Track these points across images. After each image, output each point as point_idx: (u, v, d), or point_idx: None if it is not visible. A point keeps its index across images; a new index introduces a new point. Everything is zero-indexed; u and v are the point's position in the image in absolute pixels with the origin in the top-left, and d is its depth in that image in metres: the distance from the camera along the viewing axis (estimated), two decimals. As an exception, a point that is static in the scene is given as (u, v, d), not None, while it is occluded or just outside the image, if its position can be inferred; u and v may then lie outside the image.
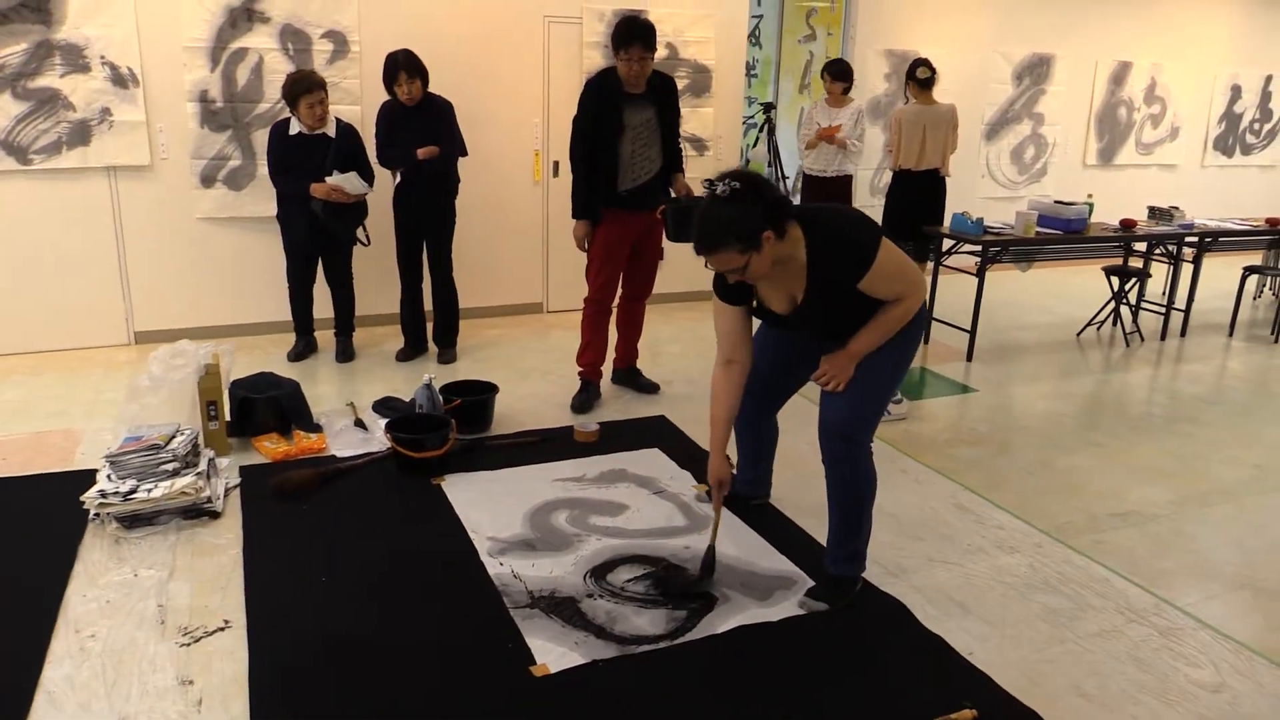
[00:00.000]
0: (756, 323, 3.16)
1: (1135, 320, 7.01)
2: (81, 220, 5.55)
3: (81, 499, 3.49)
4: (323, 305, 5.67)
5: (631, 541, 3.52)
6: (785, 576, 3.29)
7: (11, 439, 4.35)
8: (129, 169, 5.58)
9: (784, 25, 8.28)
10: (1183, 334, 7.02)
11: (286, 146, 5.22)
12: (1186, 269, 7.12)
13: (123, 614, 2.96)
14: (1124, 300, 6.86)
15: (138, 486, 3.50)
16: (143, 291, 5.79)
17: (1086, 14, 9.15)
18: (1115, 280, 6.83)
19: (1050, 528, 3.78)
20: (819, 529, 3.44)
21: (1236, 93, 10.41)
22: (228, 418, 4.27)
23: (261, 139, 5.63)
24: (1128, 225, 6.70)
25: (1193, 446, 4.78)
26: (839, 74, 6.75)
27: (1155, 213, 7.17)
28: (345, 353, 5.65)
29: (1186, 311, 7.07)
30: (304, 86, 5.08)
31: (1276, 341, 6.95)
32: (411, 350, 5.74)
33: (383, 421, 4.42)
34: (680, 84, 5.85)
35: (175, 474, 3.59)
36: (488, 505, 3.77)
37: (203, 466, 3.71)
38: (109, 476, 3.55)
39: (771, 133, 7.63)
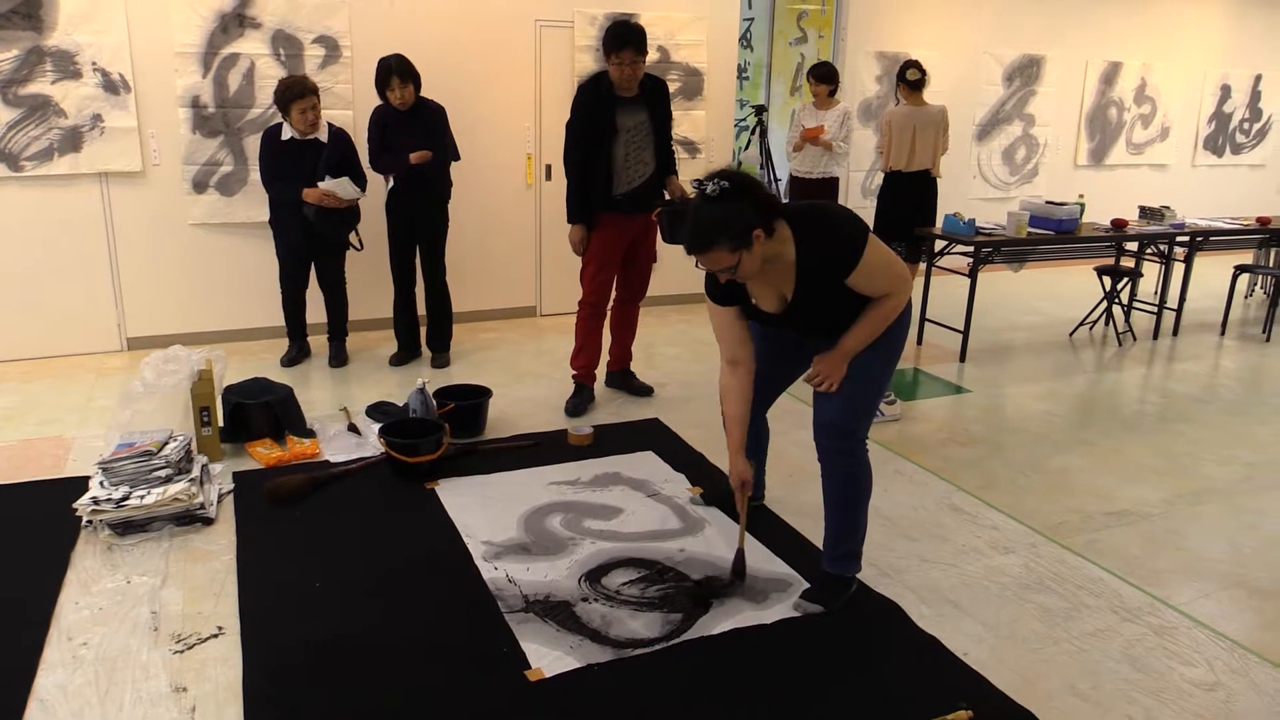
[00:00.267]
0: None
1: (1127, 320, 7.03)
2: (73, 226, 5.53)
3: (74, 506, 3.48)
4: (316, 310, 5.67)
5: (626, 545, 3.52)
6: (780, 579, 3.29)
7: (3, 446, 4.34)
8: (121, 175, 5.58)
9: (775, 28, 8.30)
10: (1175, 333, 7.04)
11: (279, 152, 5.21)
12: (1178, 268, 7.15)
13: (116, 621, 2.95)
14: (1116, 300, 6.88)
15: (130, 493, 3.49)
16: (135, 297, 5.77)
17: (1076, 15, 9.18)
18: (1107, 280, 6.85)
19: (1044, 527, 3.79)
20: (813, 531, 3.44)
21: (1226, 92, 10.45)
22: (221, 423, 4.26)
23: (253, 144, 5.63)
24: (1119, 225, 6.72)
25: (1185, 445, 4.79)
26: (823, 77, 6.77)
27: (1146, 212, 7.19)
28: (338, 358, 5.64)
29: (1178, 311, 7.09)
30: (296, 92, 5.07)
31: (1268, 340, 6.98)
32: (405, 354, 5.73)
33: (376, 426, 4.42)
34: (672, 87, 5.86)
35: (168, 480, 3.58)
36: (482, 509, 3.76)
37: (196, 473, 3.70)
38: (101, 483, 3.54)
39: (763, 135, 7.64)
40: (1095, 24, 9.32)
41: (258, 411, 4.33)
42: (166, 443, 3.70)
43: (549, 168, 6.67)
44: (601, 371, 5.19)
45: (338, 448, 4.34)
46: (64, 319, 5.64)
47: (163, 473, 3.58)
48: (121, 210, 5.62)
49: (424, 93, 5.29)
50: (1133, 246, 7.15)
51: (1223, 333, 7.14)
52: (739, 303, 3.03)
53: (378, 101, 5.28)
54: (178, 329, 5.82)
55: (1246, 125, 10.75)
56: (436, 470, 4.06)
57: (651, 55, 6.25)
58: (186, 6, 5.49)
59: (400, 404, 4.70)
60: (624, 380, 5.25)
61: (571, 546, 3.49)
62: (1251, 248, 7.98)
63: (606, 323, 5.01)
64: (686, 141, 6.97)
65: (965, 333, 6.18)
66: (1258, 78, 10.58)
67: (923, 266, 6.65)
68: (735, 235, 2.67)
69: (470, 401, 4.56)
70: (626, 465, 4.26)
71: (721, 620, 3.02)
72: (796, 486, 3.92)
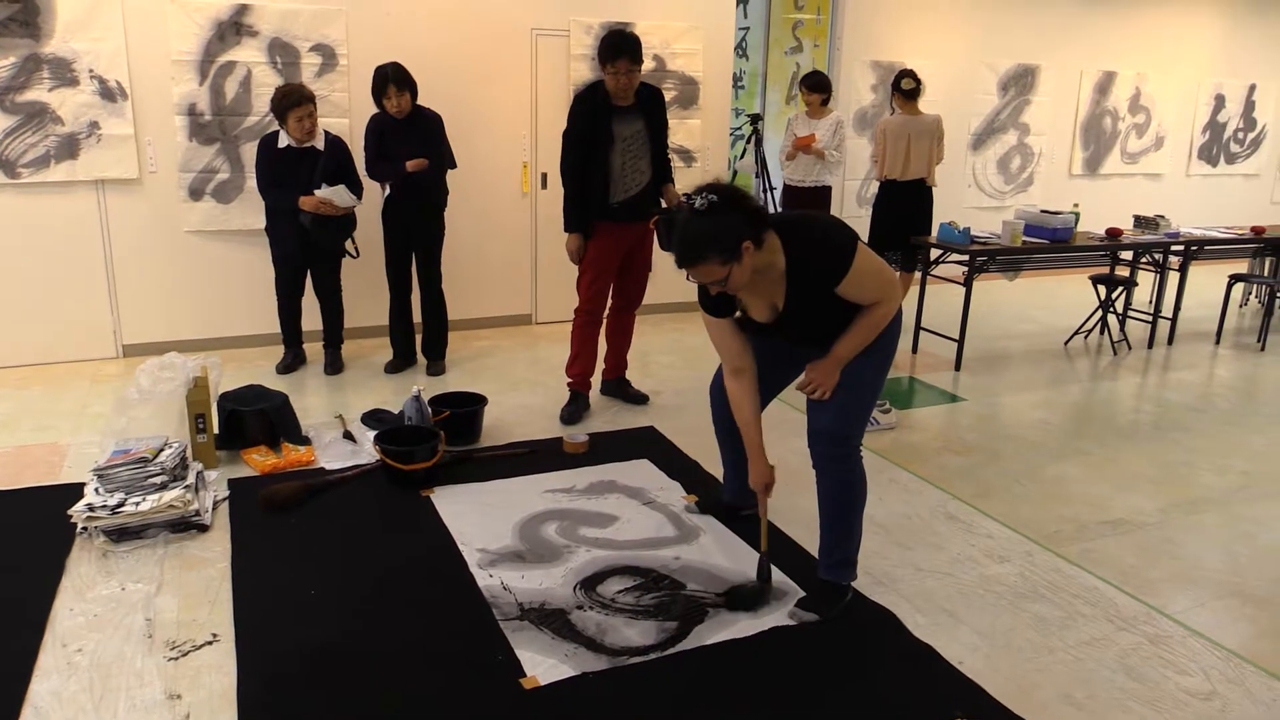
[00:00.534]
0: None
1: (1122, 329, 7.04)
2: (69, 233, 5.53)
3: (69, 512, 3.47)
4: (311, 318, 5.67)
5: (621, 553, 3.52)
6: (775, 587, 3.28)
7: (-2, 453, 4.33)
8: (117, 182, 5.57)
9: (770, 37, 8.32)
10: (1170, 342, 7.05)
11: (275, 159, 5.21)
12: (1173, 277, 7.16)
13: (110, 628, 2.94)
14: (1111, 309, 6.90)
15: (125, 500, 3.48)
16: (131, 304, 5.77)
17: (1071, 25, 9.21)
18: (1102, 289, 6.86)
19: (1039, 536, 3.79)
20: (809, 539, 3.44)
21: (1220, 102, 10.48)
22: (216, 430, 4.26)
23: (250, 152, 5.64)
24: (1114, 234, 6.73)
25: (1181, 454, 4.80)
26: (815, 86, 6.79)
27: (1141, 221, 7.21)
28: (334, 365, 5.64)
29: (1173, 320, 7.11)
30: (293, 100, 5.08)
31: (1263, 349, 6.99)
32: (400, 362, 5.73)
33: (371, 434, 4.41)
34: (668, 96, 5.86)
35: (163, 487, 3.57)
36: (477, 517, 3.76)
37: (191, 479, 3.69)
38: (96, 490, 3.54)
39: (759, 144, 7.66)
40: (1090, 34, 9.36)
41: (253, 418, 4.33)
42: (162, 449, 3.70)
43: (545, 176, 6.68)
44: (597, 379, 5.19)
45: (333, 455, 4.34)
46: (60, 325, 5.63)
47: (158, 479, 3.58)
48: (118, 217, 5.62)
49: (420, 101, 5.30)
50: (1128, 255, 7.16)
51: (1217, 342, 7.15)
52: (731, 313, 3.05)
53: (374, 110, 5.29)
54: (173, 336, 5.82)
55: (1241, 135, 10.79)
56: (432, 478, 4.05)
57: (647, 64, 6.26)
58: (183, 15, 5.50)
59: (395, 411, 4.69)
60: (619, 388, 5.25)
61: (567, 554, 3.49)
62: (1246, 257, 8.00)
63: (602, 331, 5.02)
64: (682, 150, 6.98)
65: (960, 341, 6.19)
66: (1252, 87, 10.62)
67: (918, 275, 6.66)
68: (725, 248, 2.69)
69: (465, 409, 4.56)
70: (622, 473, 4.26)
71: (717, 629, 3.02)
72: (792, 494, 3.92)
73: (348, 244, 5.48)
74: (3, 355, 5.54)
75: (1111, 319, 7.00)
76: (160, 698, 2.62)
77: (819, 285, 2.84)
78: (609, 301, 4.99)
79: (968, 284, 6.14)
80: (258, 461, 4.19)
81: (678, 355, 6.20)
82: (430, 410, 4.40)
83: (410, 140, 5.25)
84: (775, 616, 3.10)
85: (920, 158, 6.69)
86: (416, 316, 5.74)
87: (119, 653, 2.81)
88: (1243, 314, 8.23)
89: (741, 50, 8.22)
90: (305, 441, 4.42)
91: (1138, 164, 10.17)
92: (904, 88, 6.66)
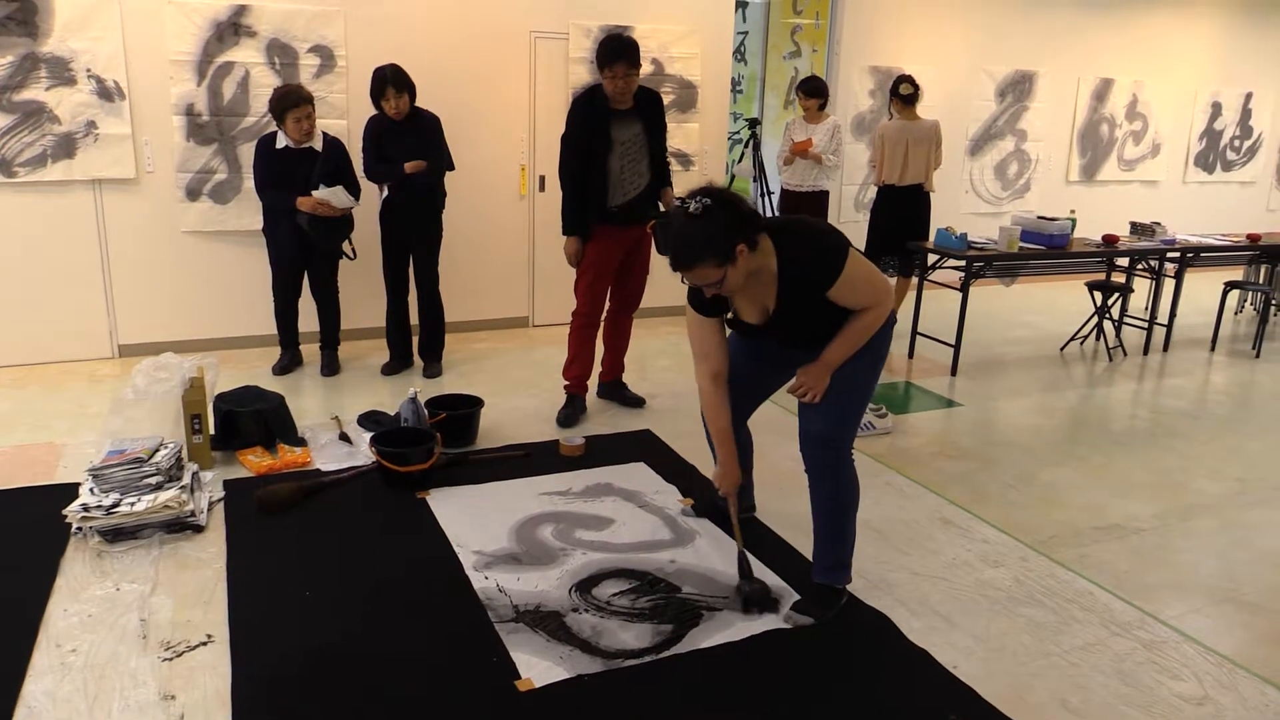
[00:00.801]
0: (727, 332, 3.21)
1: (1118, 335, 7.05)
2: (66, 233, 5.52)
3: (64, 512, 3.46)
4: (308, 319, 5.66)
5: (617, 555, 3.52)
6: (778, 591, 3.28)
7: (-7, 453, 4.33)
8: (114, 182, 5.57)
9: (769, 42, 8.34)
10: (1165, 349, 7.07)
11: (273, 160, 5.21)
12: (1169, 284, 7.18)
13: (104, 628, 2.93)
14: (1107, 315, 6.91)
15: (120, 500, 3.48)
16: (127, 304, 5.76)
17: (1069, 32, 9.24)
18: (1098, 295, 6.88)
19: (1035, 541, 3.80)
20: (804, 543, 3.44)
21: (1217, 110, 10.51)
22: (212, 431, 4.25)
23: (247, 152, 5.64)
24: (1110, 241, 6.75)
25: (1176, 460, 4.81)
26: (812, 91, 6.80)
27: (1137, 228, 7.23)
28: (330, 366, 5.63)
29: (1169, 326, 7.12)
30: (291, 101, 5.08)
31: (1258, 356, 7.01)
32: (397, 364, 5.73)
33: (368, 435, 4.41)
34: (666, 100, 5.87)
35: (158, 488, 3.57)
36: (473, 519, 3.76)
37: (186, 480, 3.69)
38: (92, 490, 3.53)
39: (756, 148, 7.67)
40: (1087, 41, 9.38)
41: (249, 419, 4.32)
42: (157, 450, 3.69)
43: (542, 178, 6.68)
44: (593, 382, 5.19)
45: (329, 456, 4.34)
46: (56, 325, 5.62)
47: (153, 480, 3.57)
48: (115, 217, 5.62)
49: (419, 103, 5.31)
50: (1124, 262, 7.18)
51: (1213, 348, 7.17)
52: (721, 314, 3.07)
53: (372, 111, 5.29)
54: (170, 336, 5.81)
55: (1237, 142, 10.82)
56: (428, 480, 4.05)
57: (646, 68, 6.27)
58: (181, 15, 5.49)
59: (392, 413, 4.69)
60: (616, 391, 5.25)
61: (562, 557, 3.49)
62: (1242, 264, 8.02)
63: (599, 334, 5.02)
64: (680, 154, 6.99)
65: (957, 347, 6.19)
66: (1248, 95, 10.65)
67: (915, 280, 6.67)
68: (719, 251, 2.72)
69: (462, 411, 4.56)
70: (618, 476, 4.26)
71: (712, 632, 3.02)
72: (787, 498, 3.92)
73: (345, 245, 5.48)
74: (-2, 354, 5.54)
75: (1108, 325, 7.02)
76: (154, 698, 2.61)
77: (810, 289, 2.86)
78: (606, 305, 4.99)
79: (964, 289, 6.15)
80: (253, 462, 4.18)
81: (674, 359, 6.20)
82: (426, 412, 4.40)
83: (408, 142, 5.25)
84: (770, 620, 3.10)
85: (918, 163, 6.70)
86: (413, 318, 5.74)
87: (113, 653, 2.81)
88: (1238, 321, 8.25)
89: (740, 55, 8.23)
90: (301, 443, 4.42)
91: (1134, 171, 10.19)
92: (902, 93, 6.67)
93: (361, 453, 4.35)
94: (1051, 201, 9.42)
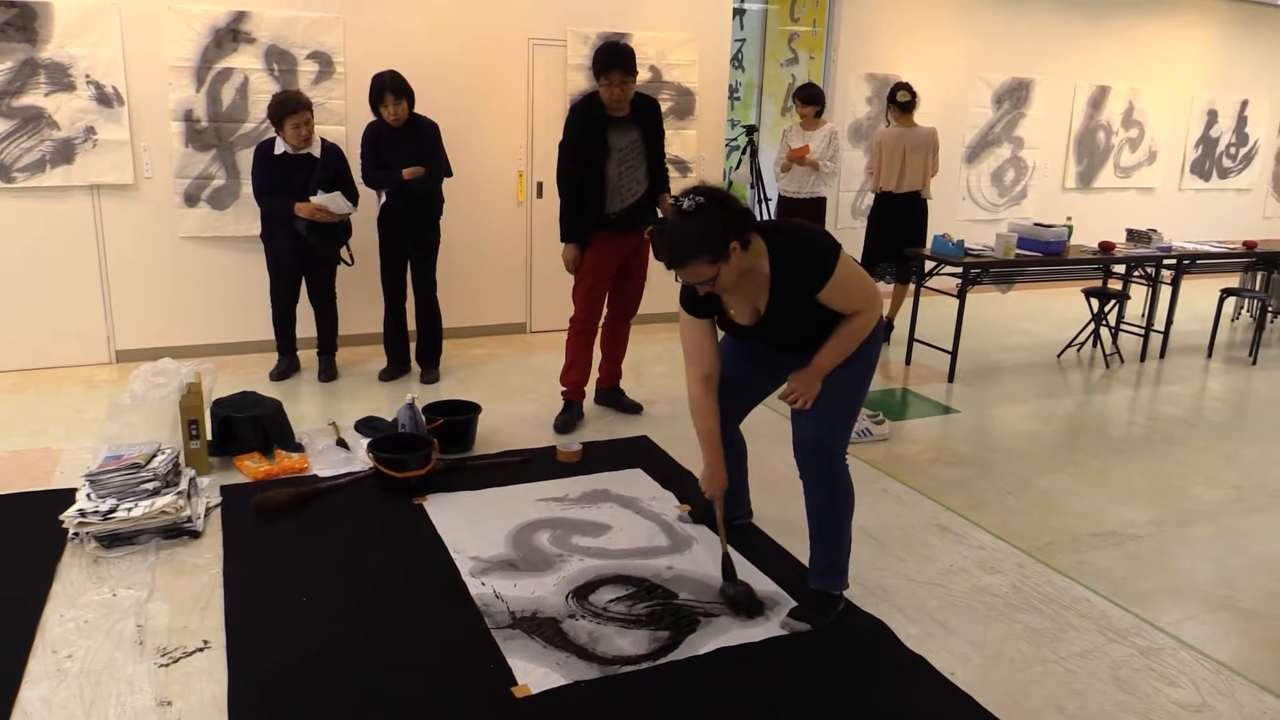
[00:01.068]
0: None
1: (1115, 342, 7.06)
2: (64, 238, 5.53)
3: (60, 518, 3.46)
4: (306, 325, 5.66)
5: (614, 562, 3.52)
6: (768, 597, 3.29)
7: (-10, 458, 4.32)
8: (113, 188, 5.57)
9: (766, 49, 8.35)
10: (1162, 355, 7.08)
11: (271, 166, 5.22)
12: (1165, 291, 7.19)
13: (101, 634, 2.93)
14: (1103, 322, 6.92)
15: (117, 506, 3.47)
16: (125, 310, 5.76)
17: (1065, 39, 9.27)
18: (1095, 302, 6.89)
19: (1031, 548, 3.80)
20: (801, 549, 3.44)
21: (1213, 117, 10.54)
22: (209, 437, 4.25)
23: (246, 158, 5.64)
24: (1107, 248, 6.76)
25: (1172, 467, 4.81)
26: (808, 99, 6.82)
27: (1134, 235, 7.24)
28: (328, 372, 5.63)
29: (1165, 333, 7.13)
30: (290, 107, 5.09)
31: (1254, 363, 7.02)
32: (394, 370, 5.73)
33: (365, 441, 4.41)
34: (664, 106, 5.88)
35: (155, 493, 3.57)
36: (470, 525, 3.76)
37: (183, 486, 3.69)
38: (88, 495, 3.53)
39: (754, 155, 7.67)
40: (1083, 48, 9.41)
41: (246, 425, 4.32)
42: (154, 455, 3.69)
43: (540, 185, 6.69)
44: (591, 389, 5.19)
45: (326, 462, 4.34)
46: (53, 330, 5.62)
47: (150, 485, 3.57)
48: (113, 223, 5.62)
49: (417, 109, 5.31)
50: (1120, 269, 7.19)
51: (1209, 355, 7.18)
52: (713, 315, 3.10)
53: (371, 117, 5.30)
54: (167, 342, 5.81)
55: (1233, 150, 10.85)
56: (425, 486, 4.05)
57: (643, 75, 6.29)
58: (181, 21, 5.50)
59: (389, 419, 4.69)
60: (613, 397, 5.26)
61: (559, 563, 3.49)
62: (1238, 271, 8.03)
63: (597, 340, 5.02)
64: (678, 161, 7.00)
65: (953, 353, 6.20)
66: (1244, 103, 10.69)
67: (912, 287, 6.68)
68: (712, 248, 2.74)
69: (459, 417, 4.56)
70: (615, 482, 4.26)
71: (709, 639, 3.02)
72: (783, 504, 3.93)
73: (343, 251, 5.48)
74: (-4, 360, 5.54)
75: (1104, 332, 7.03)
76: (151, 704, 2.61)
77: (801, 291, 2.89)
78: (604, 311, 5.00)
79: (961, 296, 6.16)
80: (251, 468, 4.18)
81: (672, 365, 6.20)
82: (424, 418, 4.40)
83: (407, 148, 5.26)
84: (767, 626, 3.10)
85: (915, 170, 6.72)
86: (411, 324, 5.74)
87: (110, 659, 2.81)
88: (1234, 328, 8.26)
89: (738, 62, 8.24)
90: (298, 448, 4.41)
91: (1131, 178, 10.22)
92: (899, 100, 6.69)
93: (359, 458, 4.35)
94: (1048, 208, 9.44)
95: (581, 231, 4.71)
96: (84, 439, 4.52)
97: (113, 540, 3.43)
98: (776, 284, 2.89)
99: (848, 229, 8.42)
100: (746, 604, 3.19)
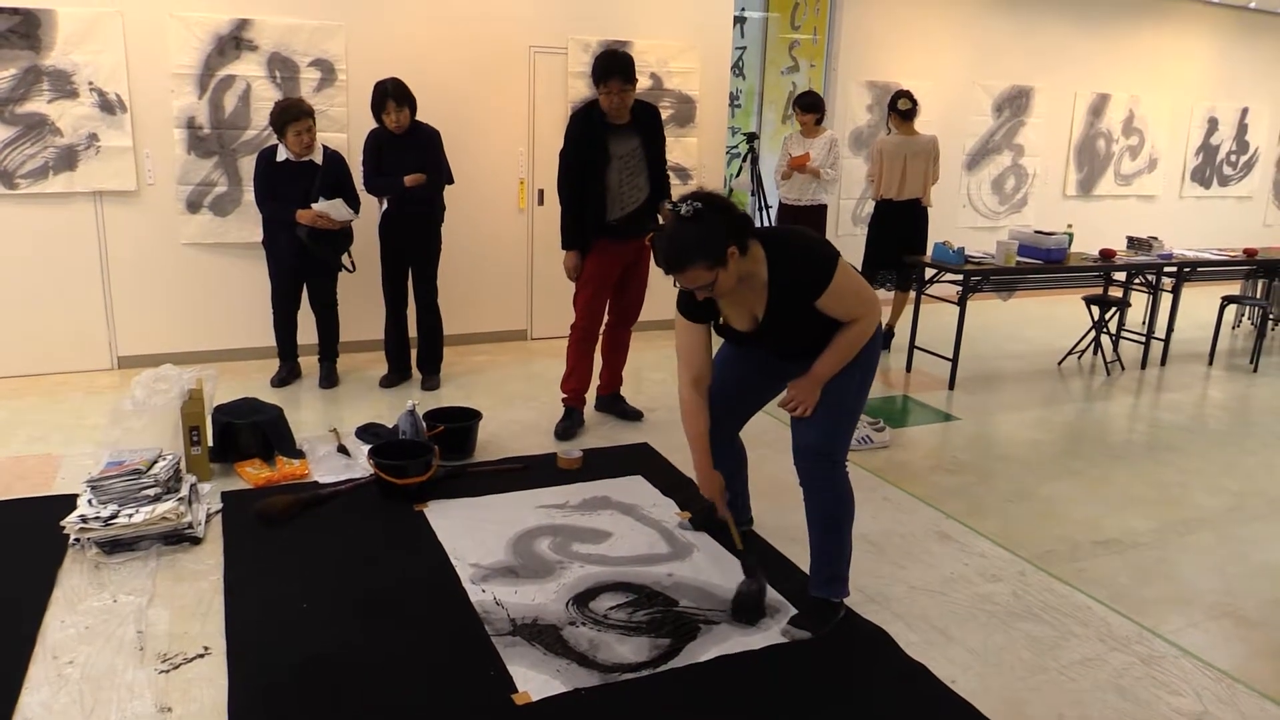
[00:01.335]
0: (716, 341, 3.23)
1: (1115, 349, 7.06)
2: (67, 245, 5.54)
3: (61, 524, 3.46)
4: (307, 331, 5.67)
5: (614, 569, 3.51)
6: (768, 604, 3.28)
7: (-9, 464, 4.32)
8: (115, 194, 5.58)
9: (767, 57, 8.36)
10: (1163, 363, 7.08)
11: (273, 173, 5.23)
12: (1166, 299, 7.20)
13: (101, 640, 2.93)
14: (1104, 329, 6.92)
15: (118, 511, 3.47)
16: (127, 316, 5.77)
17: (1065, 47, 9.29)
18: (1095, 309, 6.89)
19: (1032, 555, 3.80)
20: (801, 556, 3.44)
21: (1213, 125, 10.56)
22: (210, 443, 4.25)
23: (248, 165, 5.65)
24: (1107, 255, 6.77)
25: (1174, 475, 4.81)
26: (808, 106, 6.83)
27: (1134, 243, 7.25)
28: (329, 379, 5.64)
29: (1166, 340, 7.14)
30: (292, 114, 5.10)
31: (1255, 370, 7.02)
32: (395, 376, 5.73)
33: (366, 448, 4.41)
34: (665, 114, 5.90)
35: (156, 499, 3.57)
36: (470, 532, 3.76)
37: (184, 492, 3.69)
38: (90, 501, 3.53)
39: (754, 162, 7.69)
40: (1084, 56, 9.43)
41: (247, 431, 4.32)
42: (155, 461, 3.69)
43: (541, 192, 6.70)
44: (591, 396, 5.19)
45: (327, 469, 4.34)
46: (55, 336, 5.63)
47: (151, 491, 3.57)
48: (115, 229, 5.63)
49: (419, 116, 5.33)
50: (1121, 276, 7.20)
51: (1210, 363, 7.18)
52: (709, 320, 3.10)
53: (373, 124, 5.31)
54: (169, 348, 5.81)
55: (1234, 157, 10.86)
56: (425, 492, 4.05)
57: (644, 82, 6.31)
58: (183, 28, 5.52)
59: (390, 426, 4.69)
60: (614, 404, 5.26)
61: (560, 570, 3.49)
62: (1239, 279, 8.04)
63: (597, 347, 5.03)
64: (679, 168, 7.01)
65: (954, 360, 6.20)
66: (1244, 111, 10.70)
67: (912, 295, 6.68)
68: (711, 253, 2.75)
69: (460, 424, 4.56)
70: (615, 489, 4.26)
71: (709, 646, 3.02)
72: (784, 511, 3.93)
73: (344, 258, 5.49)
74: (-3, 366, 5.54)
75: (1105, 339, 7.03)
76: (151, 710, 2.61)
77: (799, 297, 2.89)
78: (605, 318, 5.00)
79: (962, 304, 6.16)
80: (251, 475, 4.18)
81: (672, 372, 6.15)
82: (425, 425, 4.40)
83: (408, 155, 5.27)
84: (768, 634, 3.10)
85: (916, 177, 6.73)
86: (412, 331, 5.75)
87: (110, 665, 2.80)
88: (1235, 335, 8.26)
89: (738, 69, 8.26)
90: (299, 455, 4.42)
91: (1131, 186, 10.23)
92: (900, 108, 6.70)
93: (359, 465, 4.35)
94: (1048, 216, 9.46)
95: (582, 239, 4.71)
96: (85, 445, 4.52)
97: (114, 546, 3.43)
98: (774, 290, 2.90)
99: (848, 236, 8.43)
100: (750, 607, 3.18)
